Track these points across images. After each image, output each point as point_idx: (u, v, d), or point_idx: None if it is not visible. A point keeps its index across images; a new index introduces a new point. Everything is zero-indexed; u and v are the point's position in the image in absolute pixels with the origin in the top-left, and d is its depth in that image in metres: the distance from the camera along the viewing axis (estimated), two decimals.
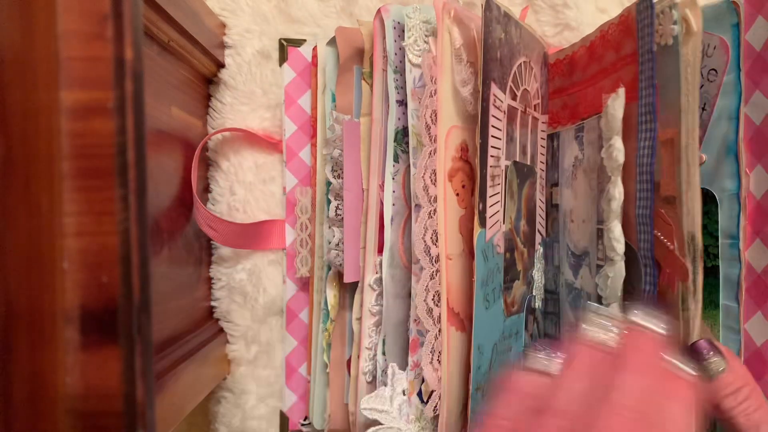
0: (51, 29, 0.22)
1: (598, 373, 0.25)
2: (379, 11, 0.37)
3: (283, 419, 0.46)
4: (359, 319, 0.38)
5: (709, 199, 0.33)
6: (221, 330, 0.45)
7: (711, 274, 0.34)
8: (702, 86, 0.34)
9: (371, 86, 0.39)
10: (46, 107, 0.22)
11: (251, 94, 0.44)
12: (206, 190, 0.45)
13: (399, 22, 0.37)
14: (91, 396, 0.22)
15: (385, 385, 0.36)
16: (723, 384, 0.29)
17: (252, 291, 0.44)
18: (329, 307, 0.42)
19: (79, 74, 0.22)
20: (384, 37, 0.37)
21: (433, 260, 0.34)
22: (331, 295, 0.41)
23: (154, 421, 0.23)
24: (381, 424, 0.36)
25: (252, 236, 0.43)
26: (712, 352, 0.29)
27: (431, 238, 0.34)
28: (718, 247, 0.34)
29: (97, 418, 0.22)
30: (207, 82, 0.45)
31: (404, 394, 0.36)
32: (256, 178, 0.45)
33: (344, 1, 0.45)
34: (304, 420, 0.45)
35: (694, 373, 0.26)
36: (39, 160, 0.22)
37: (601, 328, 0.27)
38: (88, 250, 0.22)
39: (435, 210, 0.34)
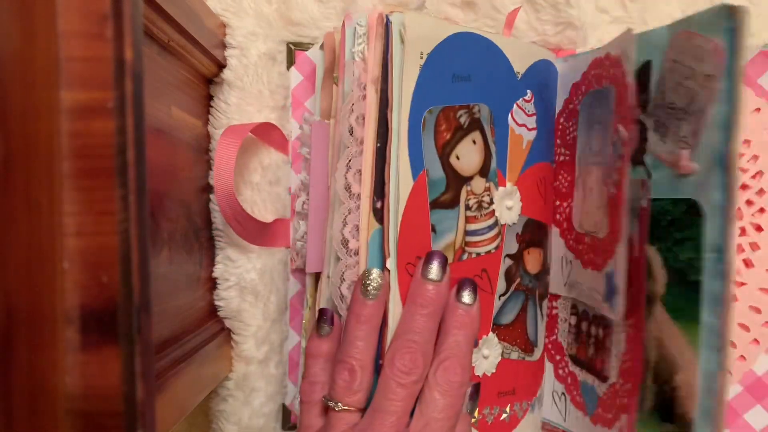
0: (51, 29, 0.22)
1: (374, 321, 0.35)
2: (344, 19, 0.39)
3: (286, 412, 0.46)
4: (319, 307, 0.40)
5: (697, 211, 0.32)
6: (222, 329, 0.45)
7: (693, 289, 0.32)
8: (697, 93, 0.33)
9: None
10: (46, 107, 0.22)
11: (258, 95, 0.44)
12: (206, 189, 0.45)
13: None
14: (91, 396, 0.22)
15: None
16: None
17: (263, 290, 0.45)
18: (308, 296, 0.43)
19: (79, 74, 0.22)
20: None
21: (352, 252, 0.37)
22: (310, 284, 0.43)
23: (154, 421, 0.23)
24: None
25: (268, 234, 0.44)
26: None
27: (350, 232, 0.37)
28: (702, 261, 0.32)
29: (97, 418, 0.22)
30: (207, 82, 0.45)
31: None
32: (263, 179, 0.45)
33: (344, 3, 0.45)
34: None
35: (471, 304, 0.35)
36: (39, 160, 0.22)
37: (371, 284, 0.35)
38: (88, 250, 0.22)
39: (358, 206, 0.37)
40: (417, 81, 0.36)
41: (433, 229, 0.37)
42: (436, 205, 0.37)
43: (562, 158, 0.43)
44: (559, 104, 0.44)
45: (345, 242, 0.37)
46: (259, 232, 0.43)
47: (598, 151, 0.39)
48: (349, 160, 0.37)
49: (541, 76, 0.43)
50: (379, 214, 0.36)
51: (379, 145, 0.36)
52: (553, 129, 0.44)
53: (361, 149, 0.37)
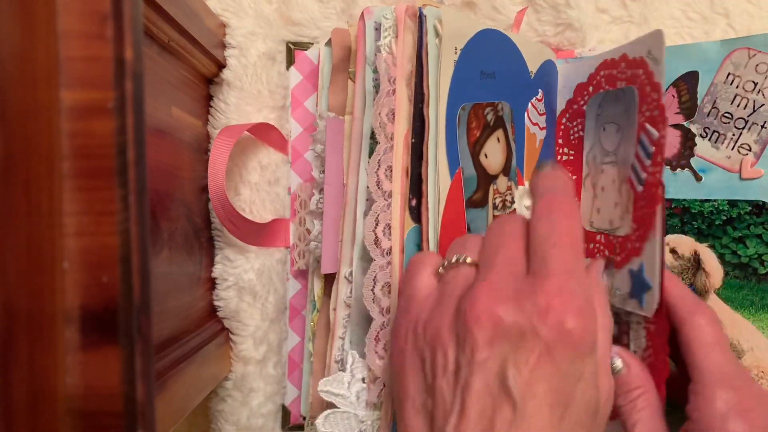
0: (51, 29, 0.22)
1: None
2: (362, 13, 0.38)
3: (285, 413, 0.46)
4: (335, 309, 0.40)
5: (765, 211, 0.38)
6: (222, 329, 0.45)
7: (765, 280, 0.38)
8: (762, 105, 0.37)
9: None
10: (46, 107, 0.22)
11: (258, 95, 0.44)
12: (206, 189, 0.45)
13: (380, 23, 0.38)
14: (91, 396, 0.22)
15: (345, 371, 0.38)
16: (619, 382, 0.33)
17: (262, 290, 0.45)
18: (315, 298, 0.43)
19: (79, 74, 0.22)
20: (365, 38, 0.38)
21: (385, 252, 0.36)
22: (318, 286, 0.43)
23: (154, 421, 0.23)
24: (338, 407, 0.37)
25: (265, 234, 0.44)
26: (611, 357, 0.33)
27: (383, 231, 0.36)
28: None
29: (97, 418, 0.22)
30: (207, 82, 0.45)
31: (363, 382, 0.37)
32: (262, 178, 0.45)
33: (344, 2, 0.45)
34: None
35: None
36: (39, 160, 0.22)
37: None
38: (88, 250, 0.22)
39: (389, 204, 0.36)
40: (452, 76, 0.35)
41: (468, 229, 0.37)
42: (470, 204, 0.37)
43: (564, 158, 0.44)
44: (561, 104, 0.44)
45: (377, 242, 0.36)
46: (255, 233, 0.43)
47: (613, 150, 0.40)
48: (380, 157, 0.36)
49: (548, 76, 0.43)
50: (415, 213, 0.36)
51: (414, 141, 0.36)
52: (555, 128, 0.44)
53: (392, 145, 0.36)
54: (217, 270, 0.44)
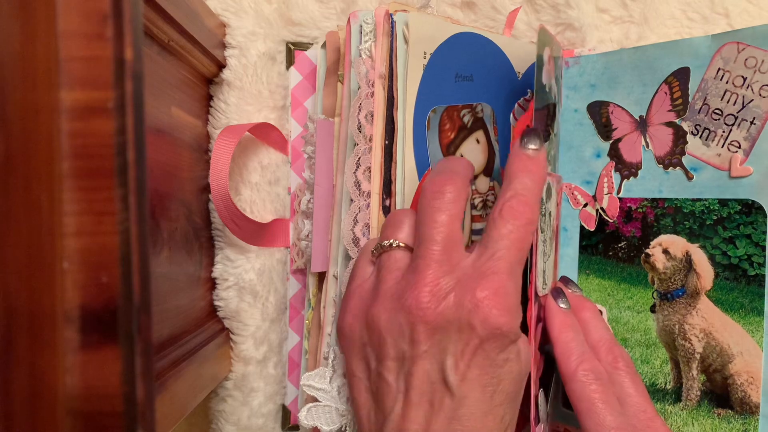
0: (51, 29, 0.22)
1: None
2: (349, 17, 0.39)
3: (285, 413, 0.46)
4: (324, 307, 0.40)
5: (755, 210, 0.37)
6: (222, 329, 0.45)
7: (754, 282, 0.37)
8: (752, 101, 0.37)
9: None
10: (46, 107, 0.22)
11: (258, 95, 0.44)
12: (206, 189, 0.45)
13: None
14: (91, 396, 0.22)
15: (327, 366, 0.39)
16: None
17: (262, 290, 0.45)
18: (311, 296, 0.43)
19: (79, 74, 0.22)
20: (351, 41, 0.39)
21: None
22: (313, 284, 0.43)
23: (154, 421, 0.23)
24: (320, 401, 0.38)
25: (266, 234, 0.44)
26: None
27: (361, 230, 0.37)
28: (764, 256, 0.37)
29: (97, 418, 0.22)
30: (207, 82, 0.45)
31: (345, 377, 0.38)
32: (262, 179, 0.45)
33: (344, 2, 0.45)
34: None
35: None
36: (39, 160, 0.22)
37: None
38: (88, 250, 0.22)
39: (368, 204, 0.37)
40: (421, 81, 0.36)
41: None
42: None
43: None
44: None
45: (356, 241, 0.37)
46: (256, 233, 0.43)
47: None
48: (359, 158, 0.38)
49: None
50: (388, 212, 0.37)
51: (387, 142, 0.37)
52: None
53: (370, 146, 0.37)
54: (218, 270, 0.44)
